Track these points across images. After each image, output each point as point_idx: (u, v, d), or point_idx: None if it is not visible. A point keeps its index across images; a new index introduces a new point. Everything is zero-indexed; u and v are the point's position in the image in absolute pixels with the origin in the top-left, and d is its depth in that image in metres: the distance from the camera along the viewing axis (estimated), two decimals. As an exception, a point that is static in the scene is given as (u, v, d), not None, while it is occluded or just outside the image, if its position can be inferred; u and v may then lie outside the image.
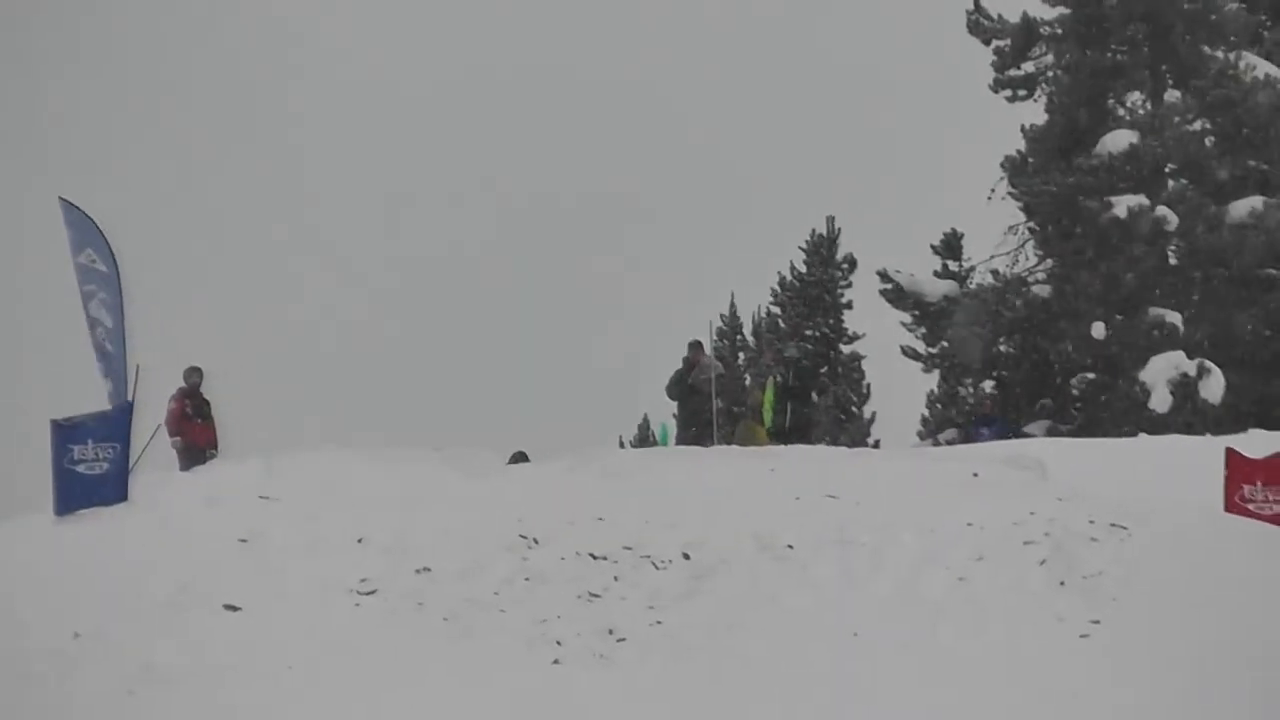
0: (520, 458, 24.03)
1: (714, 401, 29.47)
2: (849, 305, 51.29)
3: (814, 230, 52.28)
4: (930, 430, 44.21)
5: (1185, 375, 37.84)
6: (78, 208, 21.29)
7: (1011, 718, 14.37)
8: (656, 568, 18.64)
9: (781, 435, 28.35)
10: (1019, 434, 34.28)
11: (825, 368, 48.61)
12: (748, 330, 56.42)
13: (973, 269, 45.43)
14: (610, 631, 17.21)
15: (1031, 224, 44.16)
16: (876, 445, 31.68)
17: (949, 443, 31.63)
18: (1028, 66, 46.09)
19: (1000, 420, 29.88)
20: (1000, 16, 46.73)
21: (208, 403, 23.68)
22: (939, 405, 44.91)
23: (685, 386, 29.85)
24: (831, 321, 51.51)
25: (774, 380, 29.94)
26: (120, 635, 16.44)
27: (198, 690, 15.30)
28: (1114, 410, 38.24)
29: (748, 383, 45.90)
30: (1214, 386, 37.57)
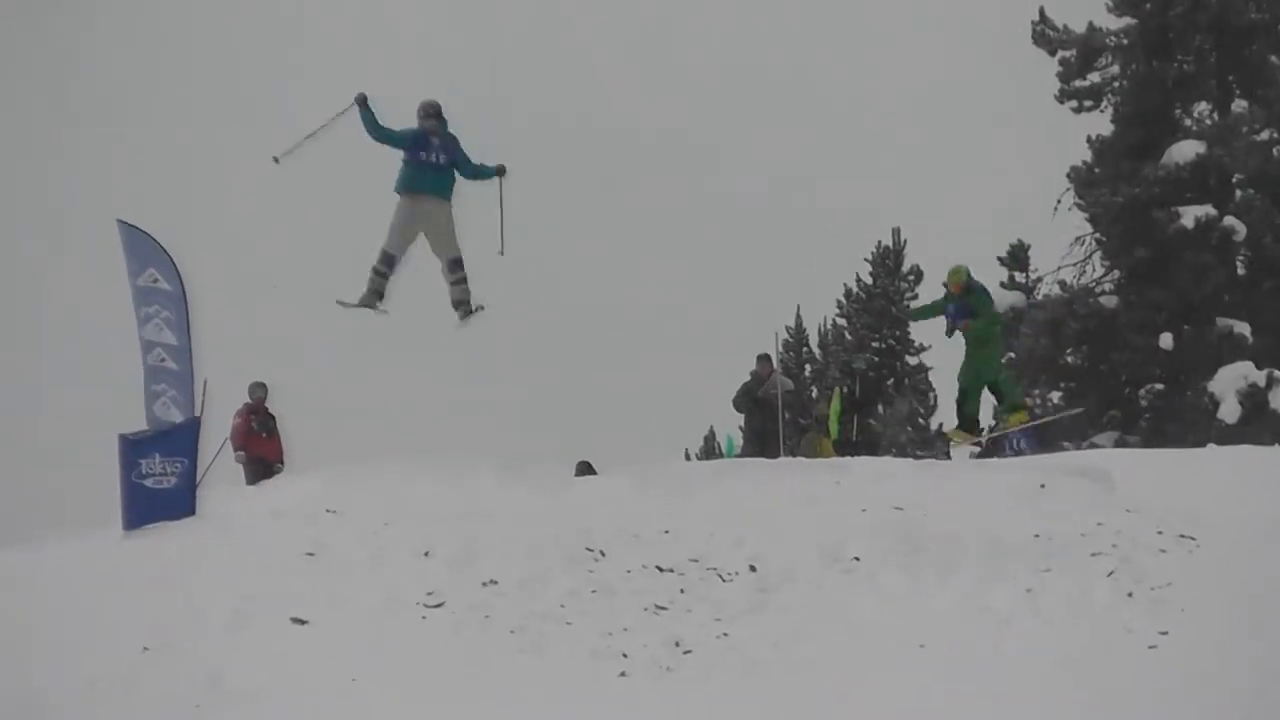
0: (586, 469, 23.97)
1: (780, 414, 29.37)
2: (915, 316, 51.19)
3: (880, 242, 52.21)
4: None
5: (1254, 385, 37.50)
6: (137, 228, 21.35)
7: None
8: (723, 580, 18.57)
9: (847, 447, 28.23)
10: (1049, 435, 34.04)
11: (892, 379, 48.42)
12: (814, 342, 56.25)
13: (1039, 280, 45.21)
14: (677, 644, 17.14)
15: (1098, 235, 43.87)
16: (948, 455, 31.58)
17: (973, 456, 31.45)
18: (1094, 77, 45.80)
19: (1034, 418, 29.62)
20: (1066, 27, 46.47)
21: (273, 417, 23.76)
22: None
23: (752, 399, 29.76)
24: (898, 333, 51.32)
25: (840, 392, 29.82)
26: (187, 649, 16.47)
27: (264, 704, 15.30)
28: (1182, 421, 37.92)
29: (814, 395, 45.72)
30: (1283, 397, 37.25)
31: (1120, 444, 36.66)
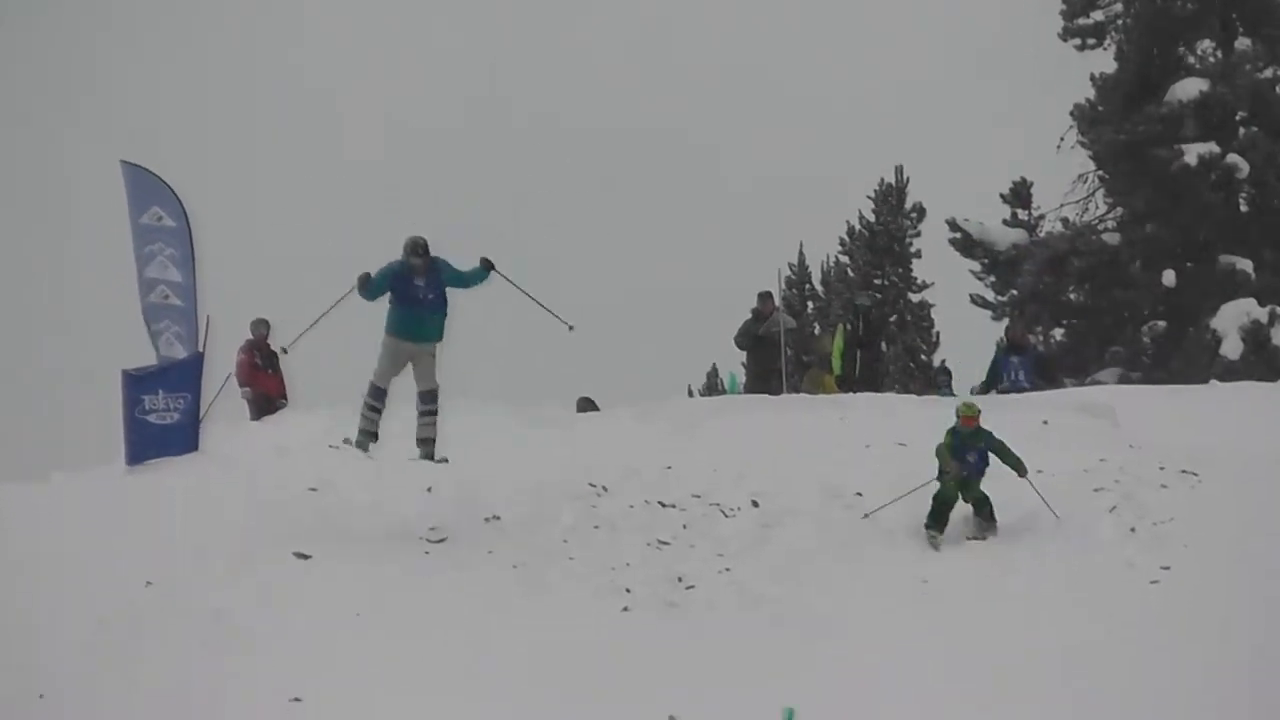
0: (588, 405, 23.87)
1: (783, 351, 29.26)
2: (918, 254, 50.95)
3: (882, 179, 51.94)
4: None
5: (1256, 322, 37.37)
6: (141, 167, 21.22)
7: (1082, 663, 14.14)
8: (725, 516, 18.52)
9: (850, 384, 28.12)
10: (1047, 363, 33.83)
11: (894, 316, 48.29)
12: (816, 279, 56.07)
13: (1042, 218, 44.97)
14: (679, 579, 17.11)
15: (1101, 172, 43.64)
16: (950, 391, 31.43)
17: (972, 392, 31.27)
18: (1097, 15, 45.44)
19: (1031, 350, 29.36)
20: (1070, -37, 46.10)
21: (275, 354, 23.61)
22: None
23: (754, 337, 29.63)
24: (900, 270, 51.17)
25: (843, 328, 29.67)
26: (191, 584, 16.42)
27: (269, 639, 15.26)
28: (1185, 357, 37.81)
29: (816, 332, 45.57)
30: (1286, 333, 37.11)
31: (1123, 381, 36.52)
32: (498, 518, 18.04)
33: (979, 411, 17.72)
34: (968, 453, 17.65)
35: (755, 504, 18.63)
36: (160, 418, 20.38)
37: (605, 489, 18.93)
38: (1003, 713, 13.35)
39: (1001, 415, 21.00)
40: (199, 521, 17.85)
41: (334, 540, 17.38)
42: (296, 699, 13.88)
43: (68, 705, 13.91)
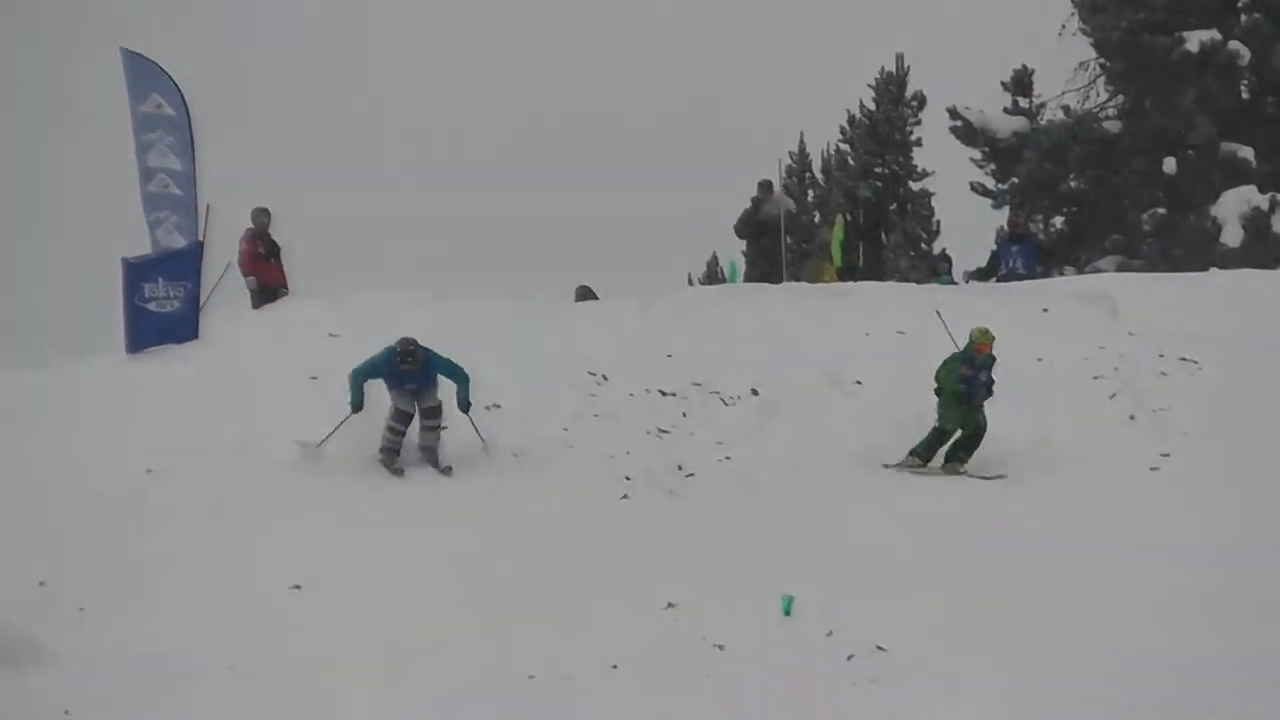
0: (586, 294, 23.70)
1: (783, 239, 29.06)
2: (918, 142, 50.45)
3: (883, 68, 51.43)
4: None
5: (1257, 209, 37.06)
6: (141, 55, 21.00)
7: (1082, 550, 14.12)
8: (725, 404, 18.45)
9: (853, 275, 27.93)
10: (1046, 251, 33.58)
11: (895, 205, 48.04)
12: (817, 168, 55.69)
13: (1043, 106, 44.57)
14: (679, 467, 17.06)
15: (1102, 60, 43.23)
16: (951, 280, 31.20)
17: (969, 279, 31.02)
18: (1099, -100, 44.90)
19: (1030, 240, 29.14)
20: None
21: (276, 244, 23.46)
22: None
23: (754, 225, 29.41)
24: (901, 159, 50.79)
25: (844, 219, 29.43)
26: (191, 472, 16.39)
27: (268, 526, 15.24)
28: (1185, 245, 37.56)
29: (816, 220, 45.31)
30: (1287, 220, 36.89)
31: (1123, 268, 36.30)
32: (498, 406, 17.95)
33: (994, 339, 17.26)
34: (979, 374, 17.21)
35: (755, 392, 18.54)
36: (160, 306, 20.24)
37: (605, 377, 18.83)
38: (1003, 599, 13.35)
39: (1002, 303, 20.90)
40: (199, 409, 17.79)
41: (333, 427, 17.30)
42: (296, 586, 13.88)
43: (68, 592, 13.90)
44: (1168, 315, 20.65)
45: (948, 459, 17.06)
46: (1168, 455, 16.55)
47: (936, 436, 17.07)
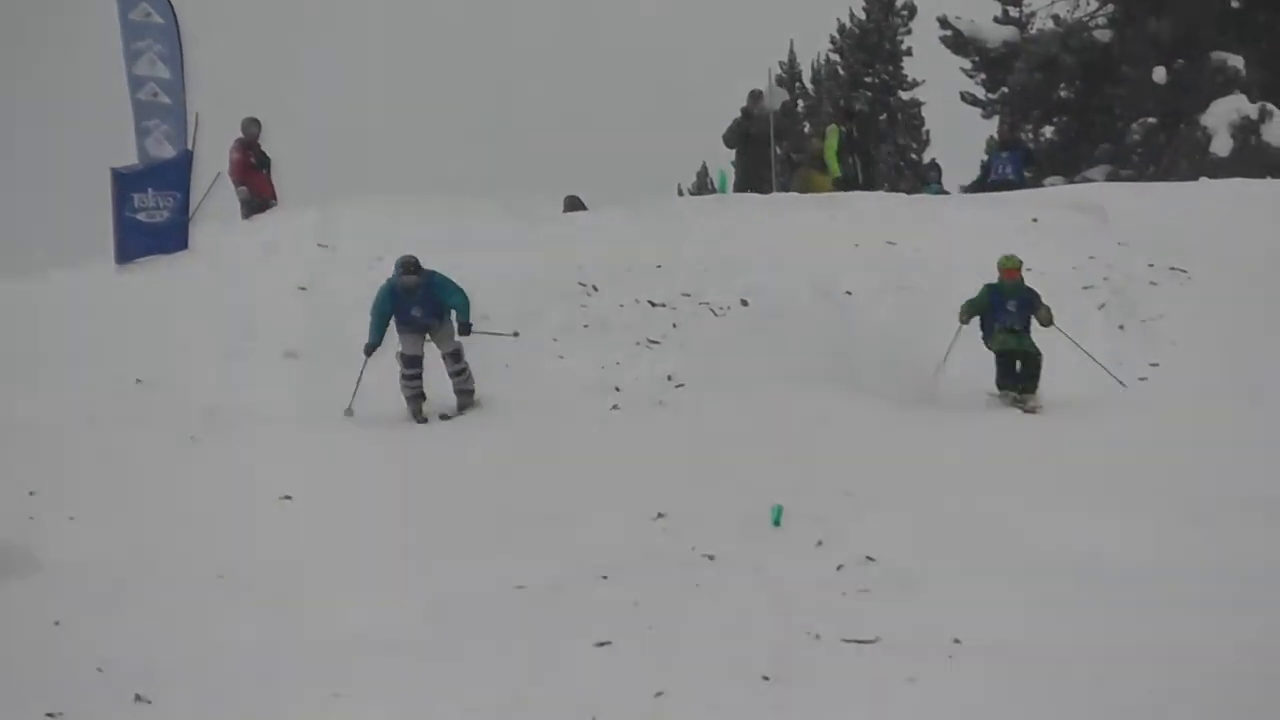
0: (575, 204, 23.52)
1: (773, 148, 28.89)
2: (908, 52, 50.30)
3: (875, -23, 51.19)
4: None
5: (1247, 119, 36.98)
6: None
7: (1074, 462, 14.07)
8: (715, 314, 18.36)
9: (849, 186, 27.75)
10: (1036, 161, 33.48)
11: (885, 115, 47.80)
12: (807, 78, 55.40)
13: (1033, 15, 44.39)
14: (669, 377, 17.00)
15: (1093, -33, 43.03)
16: (942, 190, 30.98)
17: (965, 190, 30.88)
18: None
19: (1021, 148, 28.97)
20: None
21: (267, 156, 23.26)
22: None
23: (744, 134, 29.23)
24: (890, 69, 50.55)
25: (838, 130, 29.21)
26: (181, 381, 16.31)
27: (258, 435, 15.17)
28: (1175, 154, 37.47)
29: (807, 130, 45.12)
30: (1276, 129, 36.69)
31: (1113, 178, 36.20)
32: (487, 316, 17.82)
33: (1020, 263, 16.87)
34: (1008, 302, 16.76)
35: (745, 303, 18.46)
36: (149, 216, 20.11)
37: (595, 288, 18.74)
38: (996, 513, 13.32)
39: (992, 212, 20.80)
40: (189, 320, 17.69)
41: (323, 339, 17.23)
42: (286, 497, 13.82)
43: (59, 500, 13.85)
44: (1158, 225, 20.55)
45: (1004, 388, 16.80)
46: (1157, 365, 16.49)
47: (1001, 363, 16.72)
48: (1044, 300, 16.78)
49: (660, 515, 13.88)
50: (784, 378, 16.79)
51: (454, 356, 16.20)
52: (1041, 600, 11.81)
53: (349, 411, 15.96)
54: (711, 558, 13.21)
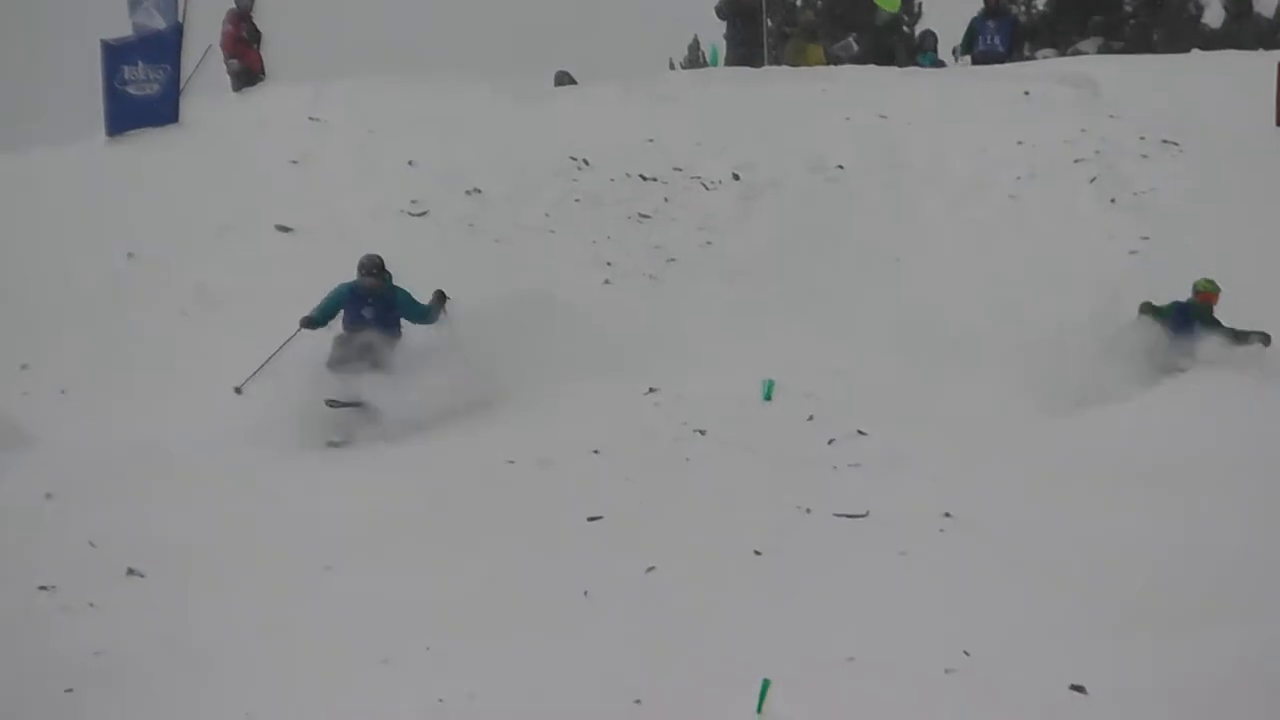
0: (565, 79, 23.17)
1: (765, 20, 28.51)
2: (901, -78, 49.80)
3: None
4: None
5: (1239, -9, 36.64)
6: None
7: (1053, 325, 13.94)
8: (707, 189, 18.13)
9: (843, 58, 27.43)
10: (1025, 32, 33.06)
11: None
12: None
13: (1025, -116, 43.83)
14: (658, 249, 16.85)
15: None
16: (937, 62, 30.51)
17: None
18: None
19: (1007, 16, 28.53)
20: None
21: (258, 29, 22.87)
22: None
23: (736, 7, 28.84)
24: (883, -61, 49.97)
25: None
26: (173, 256, 16.15)
27: (250, 310, 15.04)
28: (1167, 26, 37.06)
29: (799, 3, 44.57)
30: (1268, 1, 36.33)
31: (1104, 51, 35.81)
32: (479, 191, 17.63)
33: (1219, 290, 14.11)
34: (1189, 326, 13.95)
35: (737, 177, 18.22)
36: (139, 89, 19.78)
37: (586, 162, 18.48)
38: (985, 391, 13.27)
39: (983, 86, 20.52)
40: (180, 194, 17.48)
41: (315, 213, 17.04)
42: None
43: (49, 375, 13.78)
44: (1149, 98, 20.26)
45: None
46: (1148, 238, 16.34)
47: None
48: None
49: (652, 390, 13.82)
50: (775, 251, 16.64)
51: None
52: (1033, 479, 11.76)
53: (238, 390, 13.95)
54: (702, 433, 13.17)
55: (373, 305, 13.80)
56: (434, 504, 11.69)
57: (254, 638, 9.38)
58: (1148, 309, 13.99)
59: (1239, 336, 13.87)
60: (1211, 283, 14.17)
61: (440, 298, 13.98)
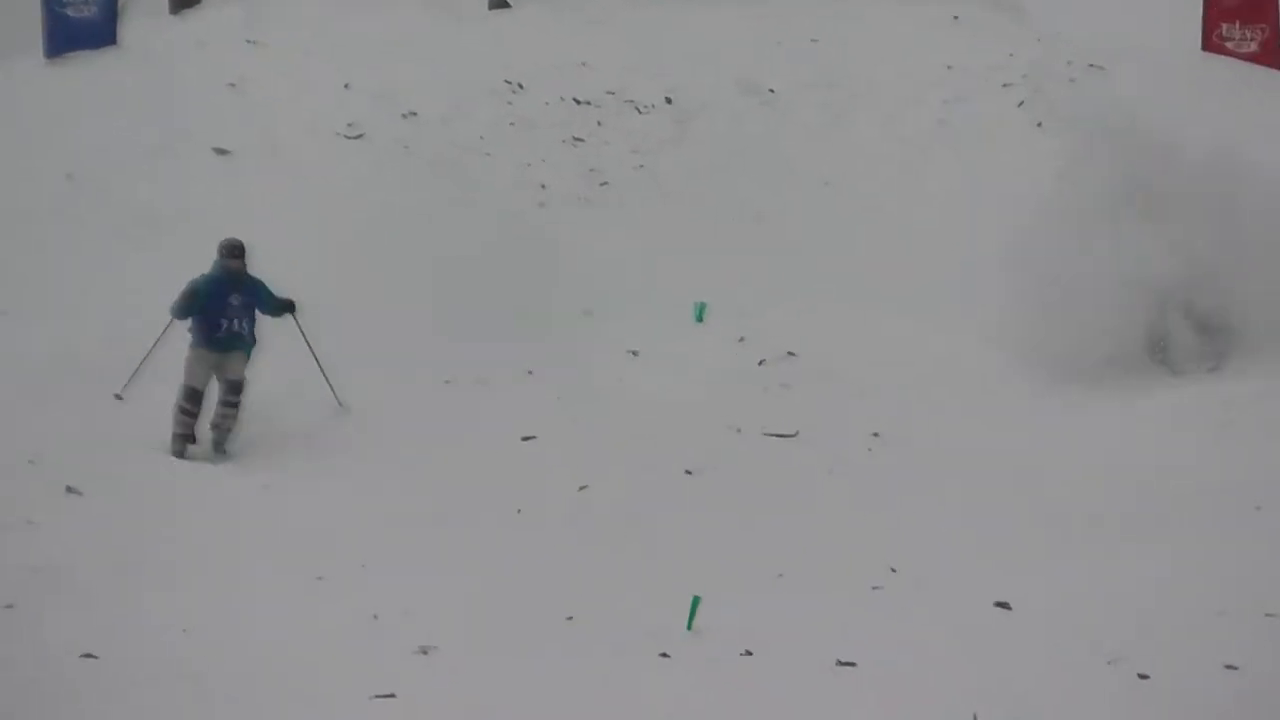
0: (500, 2, 22.93)
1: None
2: None
3: None
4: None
5: (1163, -83, 36.65)
6: None
7: (985, 237, 13.98)
8: (640, 112, 18.04)
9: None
10: None
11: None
12: None
13: None
14: (592, 172, 16.79)
15: None
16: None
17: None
18: None
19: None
20: None
21: (197, -55, 22.54)
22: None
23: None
24: None
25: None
26: (111, 178, 15.96)
27: (188, 233, 14.86)
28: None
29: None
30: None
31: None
32: (415, 114, 17.47)
33: None
34: None
35: (669, 100, 18.12)
36: (77, 11, 19.46)
37: (521, 86, 18.33)
38: (912, 305, 13.31)
39: (912, 10, 20.45)
40: (118, 116, 17.22)
41: (253, 136, 16.87)
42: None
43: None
44: (1076, 21, 20.27)
45: None
46: (1075, 161, 16.39)
47: None
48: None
49: (587, 312, 13.82)
50: (708, 173, 16.61)
51: (235, 388, 13.24)
52: (960, 398, 11.85)
53: (119, 396, 12.85)
54: (635, 353, 13.20)
55: (240, 292, 12.67)
56: (362, 426, 11.72)
57: (195, 557, 9.38)
58: None
59: None
60: None
61: (290, 306, 13.16)
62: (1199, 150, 14.32)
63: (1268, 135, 16.09)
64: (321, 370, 12.46)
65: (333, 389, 12.36)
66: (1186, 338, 13.19)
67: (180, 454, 11.93)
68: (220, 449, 12.15)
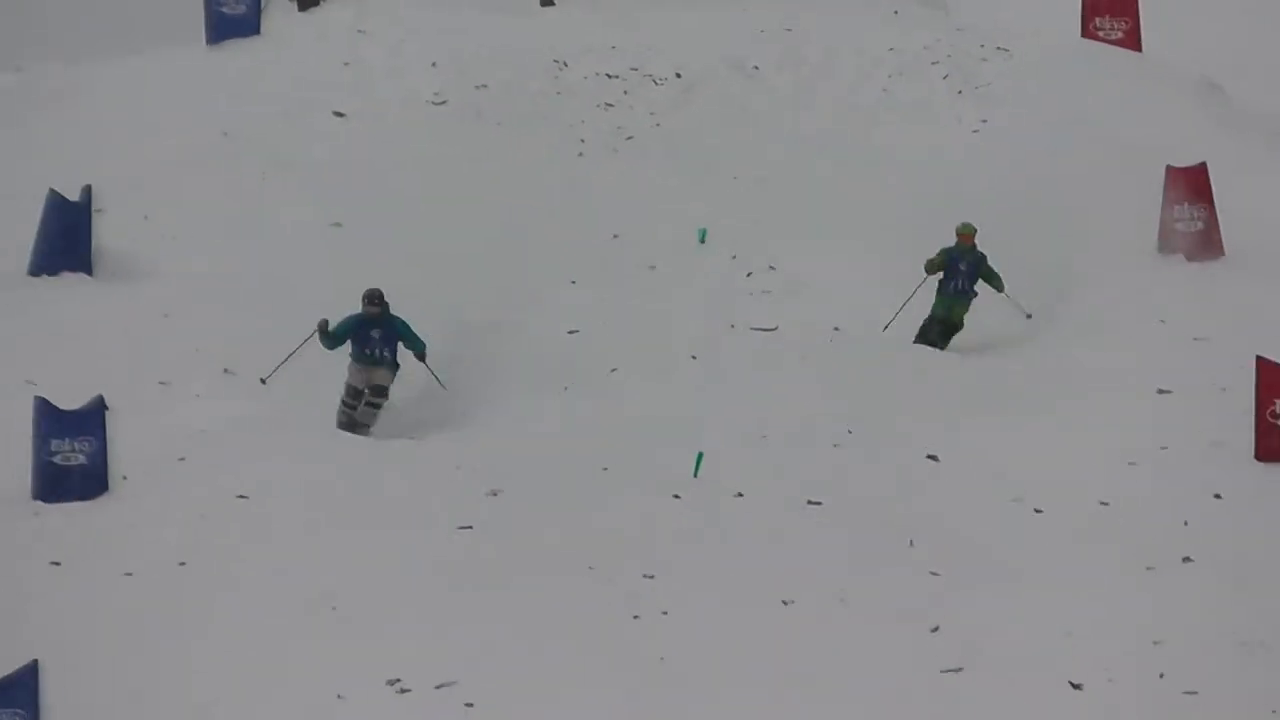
0: (548, 1, 22.63)
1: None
2: None
3: None
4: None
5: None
6: None
7: (932, 183, 13.85)
8: (656, 84, 17.91)
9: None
10: None
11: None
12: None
13: None
14: (620, 129, 16.69)
15: None
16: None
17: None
18: None
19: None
20: None
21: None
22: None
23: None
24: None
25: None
26: (256, 134, 15.79)
27: (314, 176, 14.78)
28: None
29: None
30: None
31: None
32: (485, 86, 17.33)
33: (975, 230, 12.76)
34: (960, 262, 12.65)
35: (678, 75, 18.00)
36: (231, 9, 19.09)
37: (565, 64, 18.20)
38: (849, 229, 13.26)
39: (863, 5, 20.19)
40: (261, 86, 17.07)
41: (363, 102, 16.76)
42: (337, 224, 13.51)
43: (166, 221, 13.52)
44: (988, 14, 20.11)
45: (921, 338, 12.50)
46: (986, 121, 16.25)
47: (926, 325, 12.91)
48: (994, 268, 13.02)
49: (615, 236, 13.76)
50: (708, 130, 16.49)
51: (378, 391, 12.77)
52: (892, 297, 11.81)
53: (263, 380, 12.29)
54: (653, 268, 13.19)
55: (377, 339, 12.10)
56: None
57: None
58: (928, 263, 12.49)
59: (989, 274, 12.69)
60: (968, 225, 12.75)
61: (420, 353, 12.22)
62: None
63: (1124, 101, 16.32)
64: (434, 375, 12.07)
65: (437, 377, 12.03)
66: None
67: (344, 427, 11.79)
68: (366, 431, 11.94)
